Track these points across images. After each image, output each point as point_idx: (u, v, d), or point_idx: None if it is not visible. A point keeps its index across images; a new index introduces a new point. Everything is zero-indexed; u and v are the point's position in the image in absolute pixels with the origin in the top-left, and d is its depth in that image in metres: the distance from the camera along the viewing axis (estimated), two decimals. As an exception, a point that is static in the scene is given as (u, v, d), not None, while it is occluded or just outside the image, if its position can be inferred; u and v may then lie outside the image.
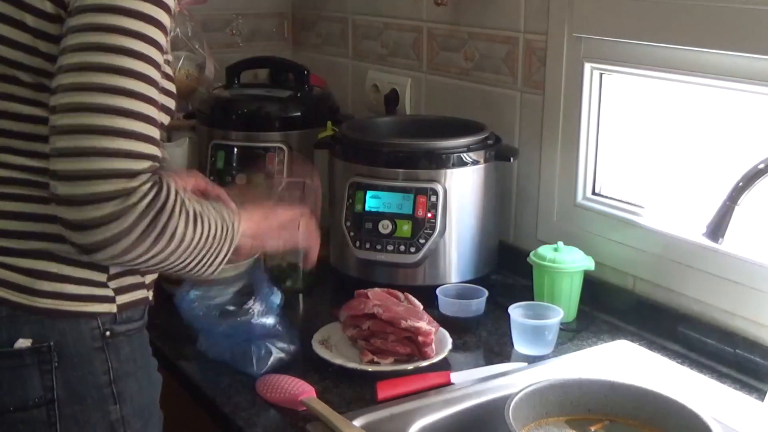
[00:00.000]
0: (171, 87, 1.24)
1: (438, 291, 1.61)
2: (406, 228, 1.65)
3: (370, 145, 1.73)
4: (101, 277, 1.19)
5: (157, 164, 1.08)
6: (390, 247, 1.66)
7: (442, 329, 1.50)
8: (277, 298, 1.44)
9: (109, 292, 1.19)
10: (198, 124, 2.19)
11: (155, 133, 1.08)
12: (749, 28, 1.35)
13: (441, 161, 1.67)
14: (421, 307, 1.52)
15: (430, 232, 1.65)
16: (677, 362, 1.46)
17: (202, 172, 2.09)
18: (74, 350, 1.17)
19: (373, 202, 1.67)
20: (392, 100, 2.14)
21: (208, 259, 1.17)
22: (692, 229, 1.48)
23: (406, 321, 1.42)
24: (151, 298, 1.28)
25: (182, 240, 1.10)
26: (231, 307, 1.45)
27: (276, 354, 1.43)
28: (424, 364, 1.41)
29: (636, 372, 1.39)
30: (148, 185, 1.05)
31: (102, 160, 1.02)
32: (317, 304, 1.57)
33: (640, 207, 1.63)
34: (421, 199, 1.65)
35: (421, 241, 1.65)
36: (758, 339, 1.41)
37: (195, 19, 2.36)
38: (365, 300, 1.48)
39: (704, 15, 1.41)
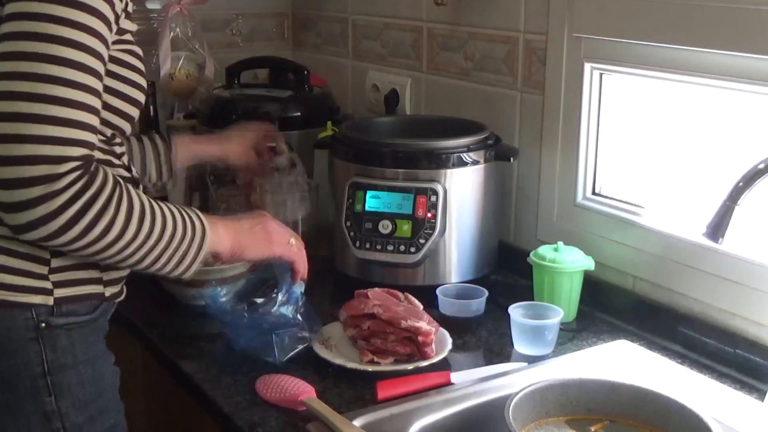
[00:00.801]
0: (137, 78, 1.26)
1: (438, 291, 1.62)
2: (406, 228, 1.65)
3: (370, 145, 1.73)
4: (41, 269, 1.21)
5: (89, 151, 1.11)
6: (390, 247, 1.66)
7: (442, 329, 1.50)
8: (298, 288, 1.47)
9: (47, 285, 1.21)
10: (198, 124, 2.19)
11: (90, 119, 1.11)
12: (749, 28, 1.35)
13: (441, 161, 1.67)
14: (421, 307, 1.52)
15: (430, 232, 1.65)
16: (677, 362, 1.46)
17: (203, 172, 2.10)
18: (7, 339, 1.20)
19: (373, 202, 1.67)
20: (392, 100, 2.14)
21: (171, 259, 1.22)
22: (692, 229, 1.48)
23: (406, 321, 1.42)
24: (111, 294, 1.29)
25: (123, 233, 1.14)
26: (258, 300, 1.47)
27: (297, 343, 1.44)
28: (424, 364, 1.41)
29: (636, 372, 1.39)
30: (77, 172, 1.09)
31: (28, 146, 1.06)
32: (317, 304, 1.56)
33: (640, 207, 1.63)
34: (421, 199, 1.65)
35: (421, 241, 1.65)
36: (758, 339, 1.41)
37: (195, 19, 2.37)
38: (365, 300, 1.48)
39: (704, 15, 1.41)
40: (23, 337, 1.20)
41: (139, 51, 1.29)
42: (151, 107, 2.22)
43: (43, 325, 1.21)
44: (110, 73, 1.21)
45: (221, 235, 1.31)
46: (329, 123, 2.03)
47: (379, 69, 2.24)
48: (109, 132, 1.26)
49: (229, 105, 2.12)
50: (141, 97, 1.28)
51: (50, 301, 1.21)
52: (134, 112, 1.28)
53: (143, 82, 1.29)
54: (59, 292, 1.22)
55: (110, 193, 1.13)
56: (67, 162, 1.08)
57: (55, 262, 1.21)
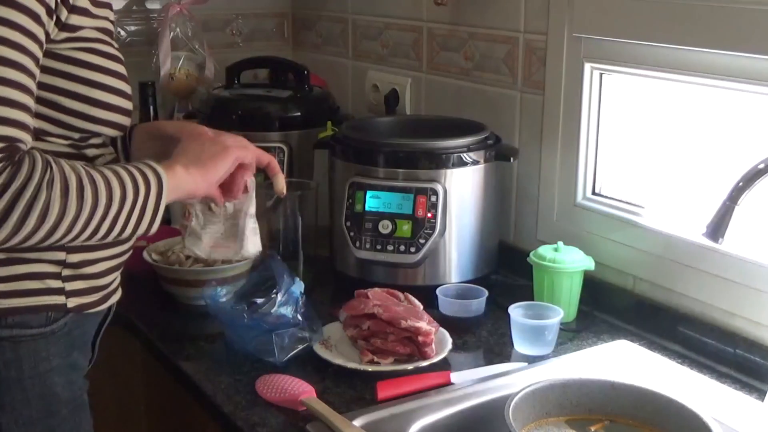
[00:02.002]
0: (102, 78, 1.19)
1: (438, 291, 1.61)
2: (406, 228, 1.65)
3: (370, 145, 1.73)
4: None
5: (13, 144, 1.05)
6: (390, 247, 1.66)
7: (442, 329, 1.50)
8: (297, 288, 1.46)
9: None
10: (198, 124, 2.18)
11: (16, 114, 1.06)
12: (749, 28, 1.35)
13: (441, 161, 1.67)
14: (421, 307, 1.52)
15: (430, 232, 1.65)
16: (677, 362, 1.46)
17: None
18: None
19: (373, 202, 1.67)
20: (392, 100, 2.14)
21: (129, 220, 1.14)
22: (692, 229, 1.48)
23: (406, 321, 1.42)
24: (77, 305, 1.22)
25: (63, 215, 1.07)
26: (258, 300, 1.47)
27: (297, 343, 1.44)
28: (424, 364, 1.41)
29: (636, 372, 1.39)
30: (1, 163, 1.03)
31: None
32: (317, 304, 1.57)
33: (640, 207, 1.63)
34: (421, 199, 1.65)
35: (421, 241, 1.65)
36: (758, 339, 1.41)
37: (195, 19, 2.37)
38: (365, 300, 1.48)
39: (704, 15, 1.41)
40: None
41: (110, 50, 1.21)
42: (151, 107, 2.22)
43: None
44: (62, 74, 1.15)
45: (181, 176, 1.21)
46: (329, 123, 2.03)
47: (379, 69, 2.24)
48: (76, 135, 1.19)
49: (229, 105, 2.12)
50: (113, 99, 1.20)
51: None
52: (107, 115, 1.20)
53: (113, 83, 1.20)
54: (5, 303, 1.15)
55: (39, 178, 1.05)
56: None
57: (3, 271, 1.16)
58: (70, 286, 1.21)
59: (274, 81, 2.35)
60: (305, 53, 2.56)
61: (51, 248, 1.17)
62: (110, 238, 1.15)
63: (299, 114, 2.10)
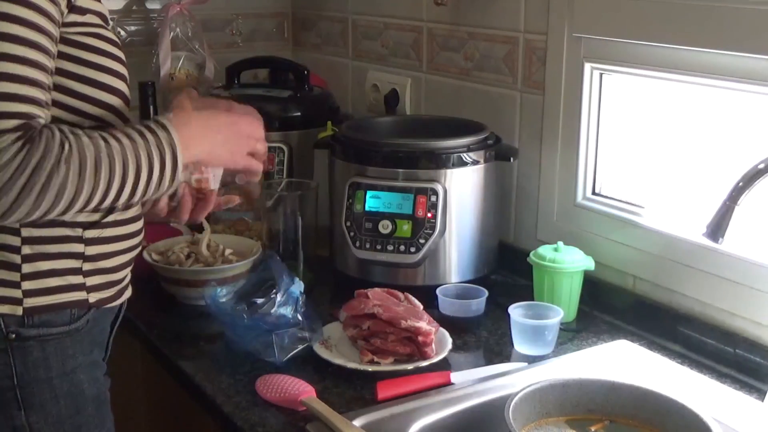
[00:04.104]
0: (107, 62, 1.19)
1: (438, 291, 1.61)
2: (406, 228, 1.65)
3: (370, 145, 1.73)
4: (12, 276, 1.16)
5: (28, 121, 1.05)
6: (390, 247, 1.66)
7: (442, 329, 1.50)
8: (297, 288, 1.46)
9: (17, 294, 1.16)
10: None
11: (28, 90, 1.06)
12: (749, 28, 1.35)
13: (441, 161, 1.67)
14: (421, 307, 1.52)
15: (430, 232, 1.65)
16: (677, 362, 1.46)
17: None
18: None
19: (373, 202, 1.67)
20: (392, 100, 2.14)
21: (149, 186, 1.13)
22: (692, 229, 1.48)
23: (406, 321, 1.42)
24: (97, 300, 1.23)
25: (80, 189, 1.07)
26: (259, 300, 1.47)
27: (297, 343, 1.44)
28: (424, 364, 1.41)
29: (636, 372, 1.39)
30: (17, 145, 1.03)
31: None
32: (317, 304, 1.57)
33: (640, 207, 1.63)
34: (421, 199, 1.65)
35: (421, 241, 1.65)
36: (758, 339, 1.41)
37: (195, 19, 2.37)
38: (365, 300, 1.48)
39: (704, 15, 1.41)
40: None
41: (111, 35, 1.21)
42: (151, 107, 2.22)
43: (13, 336, 1.16)
44: (71, 57, 1.15)
45: (192, 147, 1.18)
46: (329, 123, 2.03)
47: (379, 69, 2.24)
48: (86, 123, 1.18)
49: (229, 105, 2.12)
50: (117, 83, 1.20)
51: (19, 311, 1.16)
52: (113, 100, 1.20)
53: (117, 68, 1.21)
54: (30, 302, 1.16)
55: (57, 155, 1.05)
56: (3, 135, 1.02)
57: (27, 268, 1.16)
58: (90, 281, 1.22)
59: (274, 81, 2.35)
60: (305, 53, 2.56)
61: (69, 240, 1.20)
62: (129, 202, 1.14)
63: (299, 114, 2.10)
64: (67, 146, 1.06)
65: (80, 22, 1.17)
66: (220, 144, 1.24)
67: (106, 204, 1.11)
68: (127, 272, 1.31)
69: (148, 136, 1.13)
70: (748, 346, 1.42)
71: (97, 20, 1.20)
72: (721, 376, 1.41)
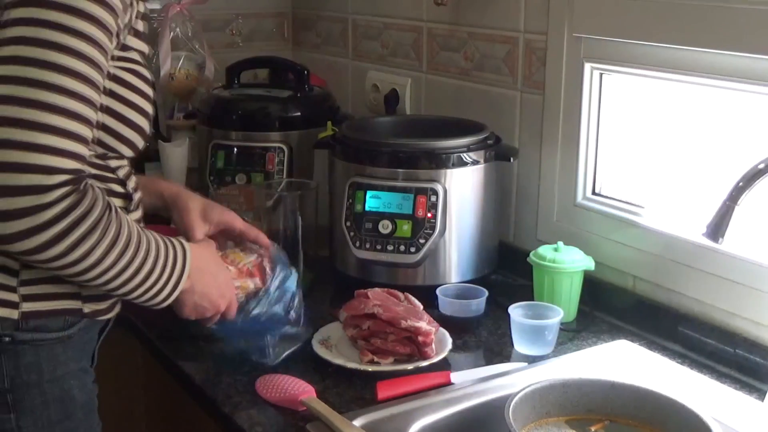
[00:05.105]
0: (139, 101, 1.21)
1: (438, 291, 1.61)
2: (406, 228, 1.65)
3: (370, 145, 1.73)
4: (9, 281, 1.16)
5: (81, 165, 1.06)
6: (390, 247, 1.66)
7: (442, 329, 1.50)
8: (292, 283, 1.44)
9: (14, 297, 1.16)
10: (198, 124, 2.19)
11: (83, 131, 1.07)
12: (749, 28, 1.35)
13: (441, 161, 1.67)
14: (421, 307, 1.52)
15: (430, 232, 1.65)
16: (677, 362, 1.46)
17: (202, 171, 2.10)
18: None
19: (373, 202, 1.67)
20: (392, 100, 2.14)
21: (148, 291, 1.18)
22: (692, 229, 1.48)
23: (406, 321, 1.42)
24: (91, 310, 1.23)
25: (103, 258, 1.10)
26: (251, 302, 1.44)
27: (290, 343, 1.44)
28: (424, 364, 1.41)
29: (636, 372, 1.39)
30: (67, 187, 1.04)
31: (16, 153, 1.01)
32: (317, 304, 1.57)
33: (640, 207, 1.63)
34: (421, 199, 1.65)
35: (421, 241, 1.65)
36: (758, 339, 1.41)
37: (195, 19, 2.37)
38: (365, 300, 1.48)
39: (704, 15, 1.41)
40: None
41: (147, 74, 1.23)
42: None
43: (8, 339, 1.16)
44: (108, 92, 1.16)
45: (194, 276, 1.26)
46: (329, 123, 2.03)
47: (379, 69, 2.24)
48: (100, 150, 1.19)
49: (229, 105, 2.12)
50: (143, 123, 1.22)
51: (15, 315, 1.16)
52: (135, 138, 1.22)
53: (146, 107, 1.23)
54: (27, 306, 1.17)
55: (99, 215, 1.08)
56: (57, 174, 1.03)
57: (25, 274, 1.16)
58: (85, 291, 1.22)
59: (274, 81, 2.35)
60: (305, 53, 2.56)
61: None
62: (120, 294, 1.18)
63: (299, 114, 2.10)
64: (108, 213, 1.10)
65: (123, 57, 1.18)
66: (215, 289, 1.30)
67: (109, 286, 1.15)
68: None
69: (169, 249, 1.22)
70: (748, 346, 1.42)
71: (137, 57, 1.22)
72: (721, 376, 1.41)
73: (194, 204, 1.40)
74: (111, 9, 1.10)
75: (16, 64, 1.04)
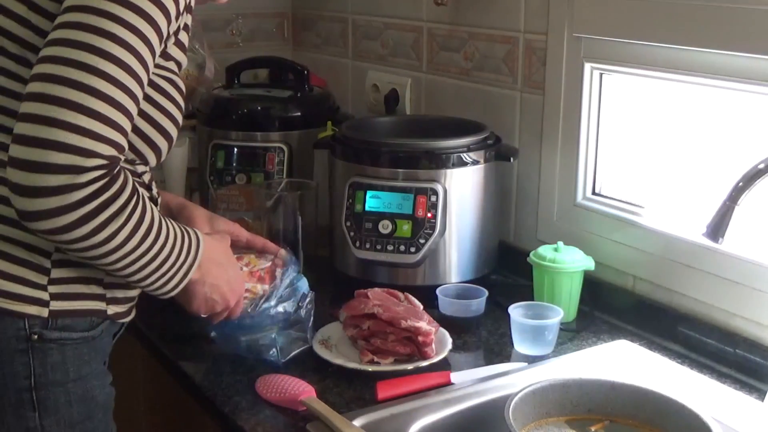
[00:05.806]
0: (173, 110, 1.22)
1: (438, 291, 1.61)
2: (406, 228, 1.65)
3: (370, 145, 1.73)
4: (41, 279, 1.17)
5: (118, 154, 1.07)
6: (390, 247, 1.66)
7: (442, 329, 1.50)
8: (303, 285, 1.46)
9: (44, 296, 1.17)
10: (198, 124, 2.19)
11: (124, 122, 1.08)
12: (749, 28, 1.35)
13: (441, 161, 1.67)
14: (421, 307, 1.52)
15: (430, 232, 1.65)
16: (677, 362, 1.46)
17: (202, 171, 2.10)
18: None
19: (373, 202, 1.67)
20: (392, 100, 2.14)
21: (159, 279, 1.19)
22: (692, 229, 1.48)
23: (406, 321, 1.42)
24: (114, 313, 1.24)
25: (125, 243, 1.10)
26: (261, 299, 1.45)
27: (297, 343, 1.44)
28: (424, 364, 1.41)
29: (636, 372, 1.39)
30: (101, 171, 1.05)
31: (58, 131, 1.02)
32: (317, 304, 1.56)
33: (640, 207, 1.63)
34: (421, 199, 1.65)
35: (421, 241, 1.65)
36: (758, 339, 1.41)
37: (195, 19, 2.35)
38: (365, 300, 1.48)
39: (704, 15, 1.41)
40: (13, 347, 1.16)
41: (182, 85, 1.25)
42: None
43: (36, 337, 1.16)
44: (145, 96, 1.16)
45: (204, 267, 1.26)
46: (329, 123, 2.03)
47: (379, 69, 2.24)
48: (130, 155, 1.20)
49: (229, 105, 2.12)
50: (173, 130, 1.23)
51: (45, 313, 1.16)
52: (163, 146, 1.23)
53: (178, 117, 1.23)
54: (56, 305, 1.17)
55: (126, 199, 1.09)
56: (94, 157, 1.04)
57: (56, 273, 1.17)
58: (110, 293, 1.23)
59: (274, 81, 2.35)
60: (305, 53, 2.56)
61: None
62: (132, 282, 1.19)
63: (299, 114, 2.10)
64: (135, 198, 1.11)
65: (162, 66, 1.19)
66: (225, 283, 1.31)
67: (125, 272, 1.15)
68: (138, 291, 1.31)
69: (185, 238, 1.22)
70: (748, 346, 1.42)
71: (175, 67, 1.23)
72: (721, 376, 1.41)
73: (200, 213, 1.42)
74: (166, 12, 1.11)
75: (68, 46, 1.05)
